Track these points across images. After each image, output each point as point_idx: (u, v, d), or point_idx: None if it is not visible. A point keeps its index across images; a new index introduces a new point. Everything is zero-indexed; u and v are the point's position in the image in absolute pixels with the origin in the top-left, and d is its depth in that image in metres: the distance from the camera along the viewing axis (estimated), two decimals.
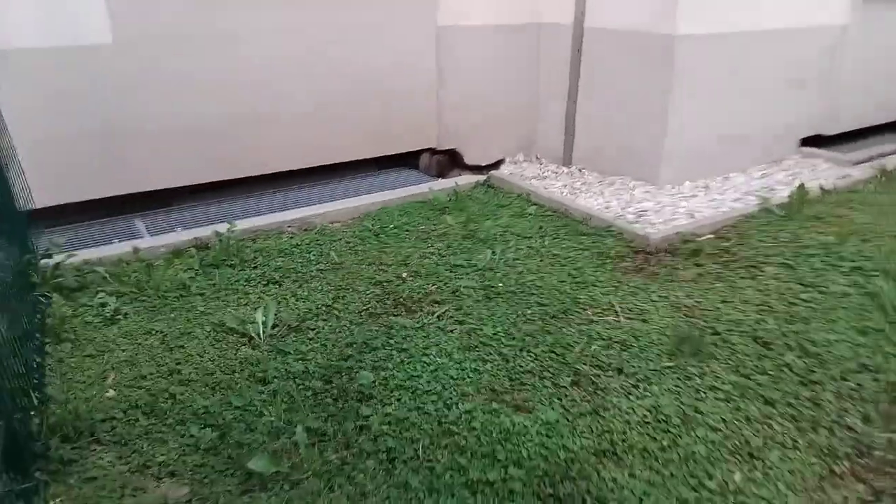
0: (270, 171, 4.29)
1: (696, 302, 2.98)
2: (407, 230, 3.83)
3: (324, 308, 2.96)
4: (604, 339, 2.68)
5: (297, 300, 3.04)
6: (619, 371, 2.48)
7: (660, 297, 3.03)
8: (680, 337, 2.62)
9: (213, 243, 3.52)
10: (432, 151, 4.85)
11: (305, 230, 3.84)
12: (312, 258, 3.45)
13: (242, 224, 3.77)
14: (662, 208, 4.08)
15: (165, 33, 3.68)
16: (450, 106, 4.78)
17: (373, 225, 3.89)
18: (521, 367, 2.52)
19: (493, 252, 3.46)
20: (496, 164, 4.93)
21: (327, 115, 4.33)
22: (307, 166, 4.42)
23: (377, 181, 4.67)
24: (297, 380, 2.45)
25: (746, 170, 4.82)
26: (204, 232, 3.61)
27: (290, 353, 2.61)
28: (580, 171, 4.92)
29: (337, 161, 4.53)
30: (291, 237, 3.73)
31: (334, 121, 4.37)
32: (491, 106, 4.99)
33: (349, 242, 3.66)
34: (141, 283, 3.12)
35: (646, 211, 4.04)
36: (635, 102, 4.44)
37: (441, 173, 4.78)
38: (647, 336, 2.70)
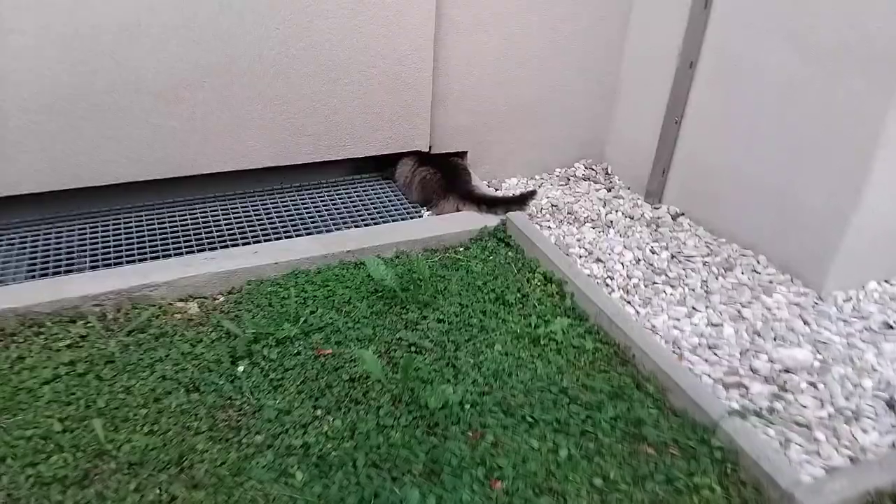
0: (163, 177, 2.43)
1: None
2: (297, 355, 1.92)
3: None
4: None
5: None
6: None
7: None
8: None
9: None
10: (419, 158, 2.81)
11: (124, 314, 2.02)
12: (32, 443, 1.61)
13: (23, 294, 1.97)
14: (829, 368, 1.97)
15: None
16: (453, 79, 2.71)
17: (244, 329, 1.99)
18: None
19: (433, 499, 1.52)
20: (526, 199, 2.67)
21: (234, 92, 2.38)
22: (228, 169, 2.53)
23: (320, 199, 2.73)
24: None
25: None
26: None
27: None
28: (675, 218, 2.80)
29: (245, 167, 2.60)
30: (80, 340, 1.91)
31: (242, 103, 2.41)
32: (531, 83, 2.88)
33: (153, 390, 1.77)
34: None
35: (795, 372, 1.95)
36: (802, 122, 2.24)
37: (427, 200, 2.73)
38: None
